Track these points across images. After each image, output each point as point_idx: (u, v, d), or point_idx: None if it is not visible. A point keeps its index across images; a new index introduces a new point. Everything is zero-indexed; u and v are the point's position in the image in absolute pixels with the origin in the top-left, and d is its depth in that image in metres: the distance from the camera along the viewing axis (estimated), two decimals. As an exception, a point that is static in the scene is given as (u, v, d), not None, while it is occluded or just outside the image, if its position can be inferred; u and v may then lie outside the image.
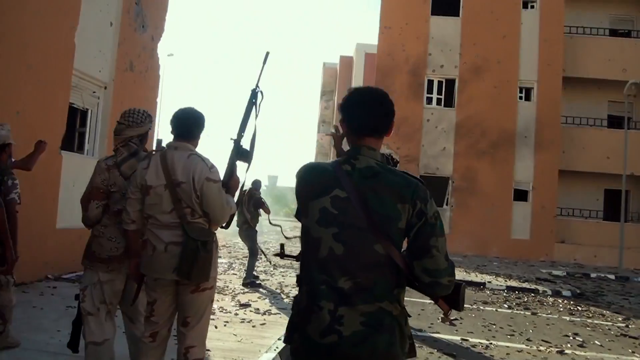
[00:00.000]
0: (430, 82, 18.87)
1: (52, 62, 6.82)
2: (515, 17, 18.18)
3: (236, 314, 6.07)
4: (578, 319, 7.77)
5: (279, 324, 5.70)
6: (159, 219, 2.96)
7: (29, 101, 6.46)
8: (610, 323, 7.64)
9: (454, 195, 18.16)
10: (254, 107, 3.12)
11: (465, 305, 1.85)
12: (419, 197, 1.75)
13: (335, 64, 46.60)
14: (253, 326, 5.56)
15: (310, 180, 1.84)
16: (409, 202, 1.73)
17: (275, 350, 4.70)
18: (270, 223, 7.70)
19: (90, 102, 8.11)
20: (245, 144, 3.14)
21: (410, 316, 1.86)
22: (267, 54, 3.20)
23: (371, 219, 1.72)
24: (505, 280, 11.41)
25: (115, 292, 3.23)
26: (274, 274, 9.89)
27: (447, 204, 18.25)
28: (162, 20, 9.77)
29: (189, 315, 3.02)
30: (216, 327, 5.16)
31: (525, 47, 18.08)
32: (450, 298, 1.81)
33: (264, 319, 5.93)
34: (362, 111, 1.85)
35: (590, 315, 8.19)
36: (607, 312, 8.59)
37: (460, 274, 11.83)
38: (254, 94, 3.11)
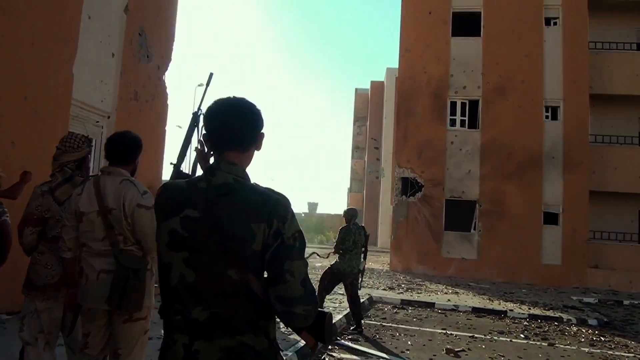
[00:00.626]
0: (453, 104, 18.51)
1: (49, 93, 6.94)
2: (537, 34, 17.73)
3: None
4: (598, 351, 7.20)
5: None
6: (92, 246, 2.88)
7: (25, 132, 6.57)
8: (632, 354, 7.03)
9: (481, 220, 17.52)
10: (195, 130, 3.02)
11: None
12: (277, 215, 1.56)
13: (367, 89, 46.80)
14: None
15: (164, 201, 1.67)
16: (265, 221, 1.54)
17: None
18: None
19: (94, 131, 8.22)
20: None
21: (282, 350, 1.66)
22: (211, 75, 3.09)
23: (222, 241, 1.54)
24: (529, 308, 10.79)
25: (53, 320, 3.14)
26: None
27: (474, 229, 17.66)
28: (169, 50, 9.93)
29: (119, 347, 2.90)
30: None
31: (549, 65, 17.54)
32: (314, 329, 1.60)
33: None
34: (220, 124, 1.68)
35: (613, 346, 7.58)
36: (633, 342, 7.93)
37: (482, 302, 11.29)
38: (195, 118, 3.01)
